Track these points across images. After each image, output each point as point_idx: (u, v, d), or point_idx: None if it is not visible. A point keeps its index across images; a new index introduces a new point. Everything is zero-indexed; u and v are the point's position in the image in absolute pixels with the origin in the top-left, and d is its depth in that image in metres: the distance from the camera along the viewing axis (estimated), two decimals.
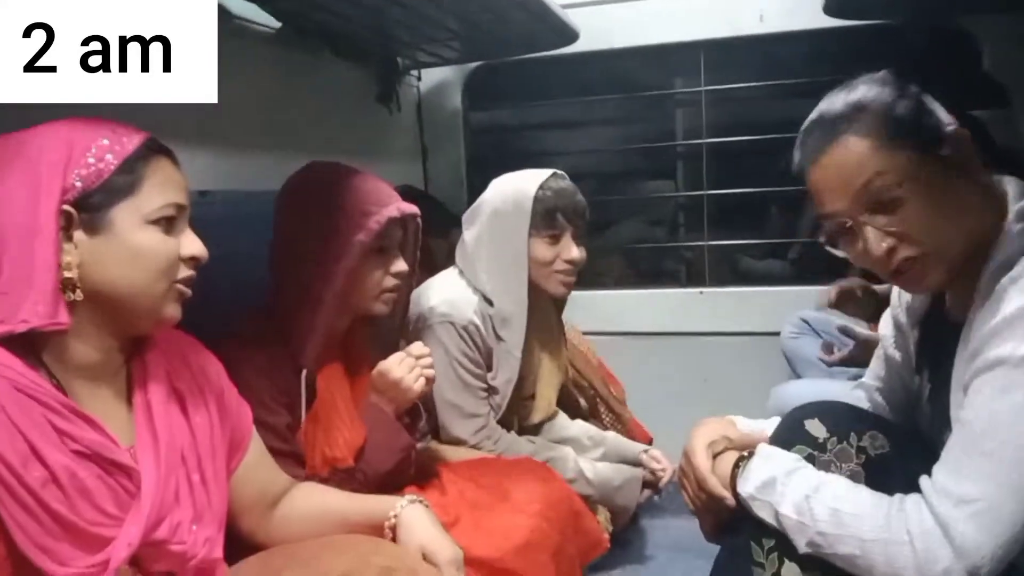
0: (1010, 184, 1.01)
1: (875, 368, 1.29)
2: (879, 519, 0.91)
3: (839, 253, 1.06)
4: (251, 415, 1.13)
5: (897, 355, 1.23)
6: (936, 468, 0.92)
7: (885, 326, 1.26)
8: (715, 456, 1.13)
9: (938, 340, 1.11)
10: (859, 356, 2.00)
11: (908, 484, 0.94)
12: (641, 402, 2.21)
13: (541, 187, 1.67)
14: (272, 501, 1.15)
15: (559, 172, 1.73)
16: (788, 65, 2.59)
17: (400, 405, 1.36)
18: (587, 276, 2.67)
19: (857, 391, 1.31)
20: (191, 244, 0.96)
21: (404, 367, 1.34)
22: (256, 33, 1.83)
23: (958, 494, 0.87)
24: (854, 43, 2.43)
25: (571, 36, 2.30)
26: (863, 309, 2.04)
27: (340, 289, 1.30)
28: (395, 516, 1.12)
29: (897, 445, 1.06)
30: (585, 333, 2.28)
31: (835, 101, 1.04)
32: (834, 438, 1.06)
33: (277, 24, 1.88)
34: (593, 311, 2.63)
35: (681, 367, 2.61)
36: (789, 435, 1.10)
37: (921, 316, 1.17)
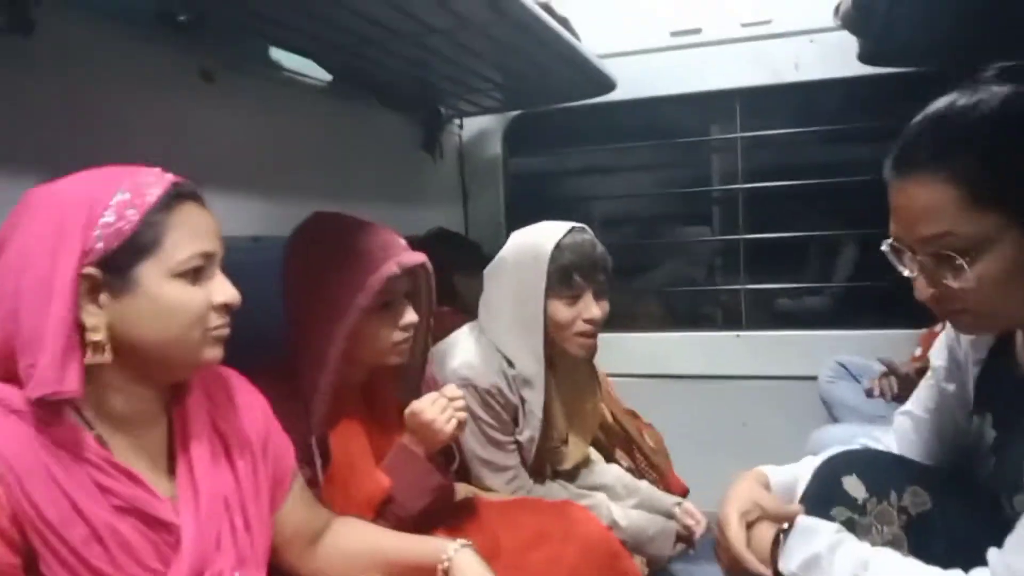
0: None
1: (923, 398, 1.22)
2: None
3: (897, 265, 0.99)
4: (293, 451, 1.12)
5: (950, 388, 1.17)
6: (1011, 546, 0.86)
7: (938, 356, 1.19)
8: (749, 525, 1.08)
9: (1006, 387, 1.05)
10: (903, 393, 1.97)
11: (951, 542, 0.92)
12: (678, 446, 2.21)
13: (557, 246, 1.62)
14: (313, 536, 1.15)
15: (578, 226, 1.69)
16: (823, 112, 2.62)
17: (432, 446, 1.34)
18: (624, 319, 2.74)
19: (902, 418, 1.25)
20: (222, 291, 0.93)
21: (436, 408, 1.32)
22: (308, 86, 1.92)
23: None
24: (890, 89, 2.44)
25: (608, 86, 2.36)
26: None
27: (345, 349, 1.25)
28: (448, 560, 1.11)
29: (939, 500, 1.03)
30: (621, 376, 2.28)
31: (953, 110, 0.92)
32: (874, 498, 1.04)
33: (328, 77, 1.98)
34: (630, 354, 2.67)
35: (718, 411, 2.62)
36: (827, 493, 1.07)
37: (984, 355, 1.10)
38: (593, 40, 2.20)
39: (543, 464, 1.77)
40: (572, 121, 2.77)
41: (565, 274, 1.62)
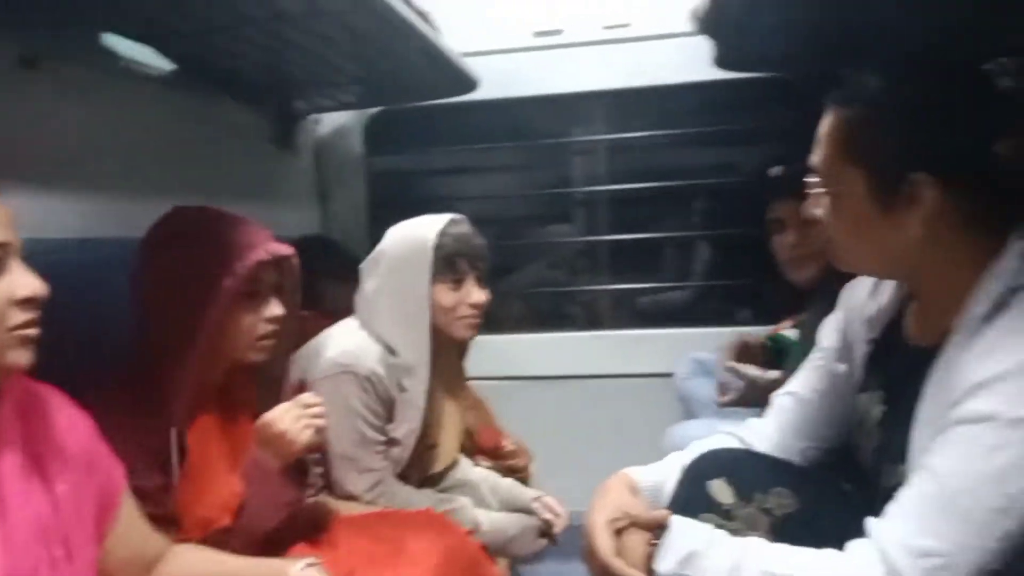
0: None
1: (809, 379, 1.25)
2: (817, 574, 0.89)
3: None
4: (123, 473, 1.03)
5: (840, 368, 1.20)
6: (894, 513, 0.88)
7: (828, 338, 1.24)
8: (618, 532, 1.07)
9: (895, 362, 1.09)
10: (750, 397, 2.06)
11: (816, 543, 0.92)
12: (540, 446, 2.20)
13: (441, 233, 1.66)
14: (146, 566, 1.07)
15: (457, 217, 1.72)
16: (684, 115, 2.69)
17: (286, 458, 1.27)
18: (487, 321, 2.70)
19: (786, 399, 1.27)
20: (24, 285, 0.85)
21: (290, 418, 1.25)
22: (146, 77, 1.77)
23: (918, 547, 0.83)
24: (747, 94, 2.56)
25: (470, 84, 2.32)
26: (757, 359, 2.09)
27: (209, 339, 1.22)
28: None
29: (804, 500, 1.05)
30: (484, 378, 2.26)
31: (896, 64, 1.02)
32: (741, 503, 1.05)
33: (170, 66, 1.84)
34: (492, 355, 2.58)
35: (580, 409, 2.64)
36: (693, 499, 1.08)
37: (877, 334, 1.15)
38: (455, 37, 2.15)
39: (411, 470, 1.73)
40: (435, 120, 2.72)
41: (449, 260, 1.65)
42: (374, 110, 2.72)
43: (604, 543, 1.05)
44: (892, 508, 0.88)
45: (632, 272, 2.82)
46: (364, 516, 1.51)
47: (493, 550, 1.69)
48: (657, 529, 1.02)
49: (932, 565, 0.82)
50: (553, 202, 2.96)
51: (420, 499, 1.67)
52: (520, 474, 2.03)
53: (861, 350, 1.17)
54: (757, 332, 2.33)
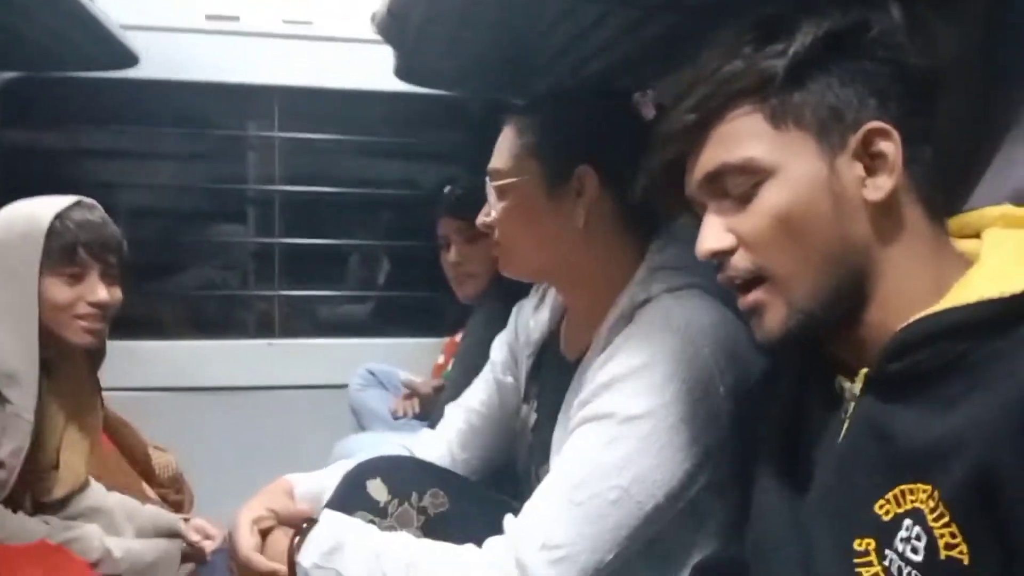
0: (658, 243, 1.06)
1: (479, 392, 1.29)
2: (456, 567, 0.89)
3: None
4: None
5: (508, 380, 1.25)
6: (527, 509, 0.91)
7: (498, 351, 1.29)
8: (264, 533, 1.05)
9: (551, 375, 1.15)
10: (423, 410, 2.08)
11: (465, 540, 0.93)
12: (204, 462, 2.04)
13: (59, 217, 1.41)
14: None
15: (87, 200, 1.48)
16: (363, 122, 2.66)
17: None
18: (145, 326, 2.47)
19: (457, 411, 1.30)
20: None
21: None
22: None
23: (543, 539, 0.86)
24: (426, 108, 2.58)
25: (129, 59, 2.10)
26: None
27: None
28: None
29: (457, 501, 1.07)
30: (139, 390, 2.07)
31: None
32: (395, 500, 1.05)
33: None
34: (150, 365, 2.40)
35: (249, 423, 2.48)
36: (350, 498, 1.06)
37: (537, 348, 1.20)
38: (114, 6, 1.93)
39: (23, 495, 1.48)
40: (89, 94, 2.40)
41: (67, 249, 1.40)
42: (10, 75, 2.32)
43: (245, 540, 1.04)
44: (527, 505, 0.92)
45: (308, 280, 2.74)
46: None
47: None
48: (305, 524, 1.00)
49: (555, 557, 0.85)
50: (225, 199, 2.77)
51: (34, 528, 1.44)
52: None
53: (524, 364, 1.23)
54: (434, 344, 2.38)
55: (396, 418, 2.15)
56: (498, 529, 0.93)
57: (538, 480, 1.05)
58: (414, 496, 1.05)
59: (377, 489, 1.06)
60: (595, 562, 0.86)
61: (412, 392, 2.16)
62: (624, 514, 0.86)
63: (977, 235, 0.70)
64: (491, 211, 1.09)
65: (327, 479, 1.17)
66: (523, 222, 1.06)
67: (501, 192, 1.07)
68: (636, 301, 0.98)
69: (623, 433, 0.88)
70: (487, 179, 1.10)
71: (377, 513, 1.04)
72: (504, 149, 1.09)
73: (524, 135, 1.07)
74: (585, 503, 0.87)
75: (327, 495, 1.13)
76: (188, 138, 2.69)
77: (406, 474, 1.10)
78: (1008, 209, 0.69)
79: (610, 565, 0.87)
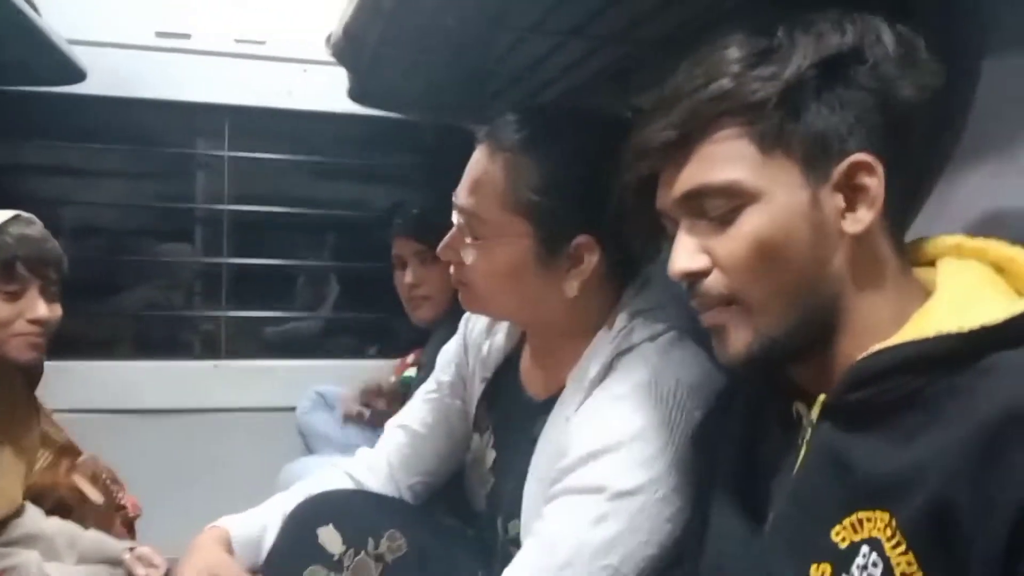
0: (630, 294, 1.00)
1: (421, 411, 1.22)
2: None
3: None
4: None
5: (456, 404, 1.20)
6: (512, 572, 0.87)
7: (444, 372, 1.22)
8: None
9: (508, 406, 1.10)
10: (377, 422, 2.03)
11: None
12: (146, 487, 1.96)
13: None
14: None
15: (25, 215, 1.45)
16: (315, 143, 2.64)
17: None
18: (84, 345, 2.40)
19: (398, 431, 1.24)
20: None
21: None
22: None
23: None
24: (377, 129, 2.58)
25: (76, 75, 2.06)
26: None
27: None
28: None
29: (414, 542, 1.03)
30: (78, 411, 1.99)
31: None
32: (351, 550, 1.00)
33: None
34: (90, 386, 2.32)
35: (193, 446, 2.41)
36: (301, 550, 1.01)
37: (491, 374, 1.14)
38: (61, 20, 1.90)
39: None
40: (30, 109, 2.33)
41: (5, 264, 1.37)
42: None
43: None
44: (509, 569, 0.88)
45: (256, 300, 2.69)
46: None
47: None
48: None
49: None
50: (172, 217, 2.72)
51: None
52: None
53: (475, 388, 1.17)
54: (384, 366, 2.36)
55: (346, 420, 2.10)
56: (457, 563, 0.92)
57: (505, 532, 1.03)
58: (370, 543, 1.01)
59: (330, 539, 1.01)
60: None
61: (376, 389, 2.10)
62: None
63: (931, 263, 0.70)
64: (458, 248, 0.99)
65: (265, 521, 1.11)
66: (503, 283, 0.98)
67: (478, 244, 0.97)
68: (618, 350, 0.93)
69: (614, 510, 0.84)
70: (456, 211, 1.00)
71: (332, 567, 0.99)
72: (484, 190, 0.96)
73: (514, 183, 0.94)
74: None
75: (268, 539, 1.08)
76: (136, 156, 2.64)
77: (359, 516, 1.05)
78: (963, 240, 0.69)
79: None
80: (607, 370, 0.93)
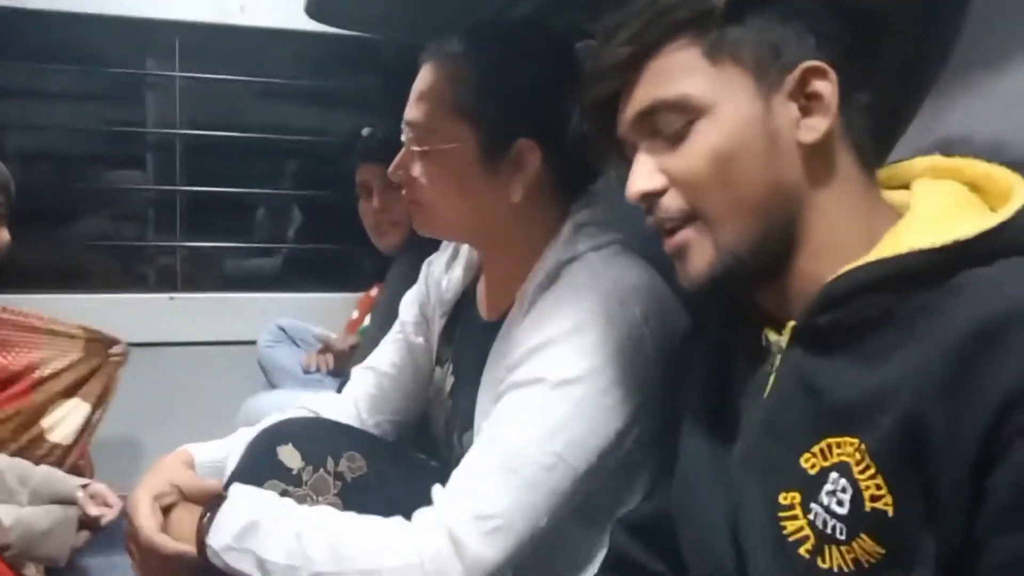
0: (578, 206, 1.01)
1: (388, 353, 1.24)
2: (384, 545, 0.84)
3: None
4: None
5: (419, 341, 1.21)
6: (456, 479, 0.88)
7: (407, 311, 1.23)
8: (166, 510, 0.97)
9: (467, 335, 1.11)
10: (337, 366, 2.02)
11: (386, 508, 0.89)
12: (103, 425, 1.94)
13: None
14: None
15: None
16: (270, 64, 2.54)
17: None
18: (37, 278, 2.32)
19: (365, 373, 1.24)
20: None
21: None
22: None
23: (476, 510, 0.84)
24: (337, 49, 2.49)
25: None
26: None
27: None
28: None
29: (376, 464, 1.02)
30: None
31: None
32: (309, 467, 0.99)
33: None
34: None
35: (149, 382, 2.32)
36: (260, 466, 0.99)
37: (450, 308, 1.16)
38: None
39: None
40: None
41: None
42: None
43: (147, 520, 0.95)
44: (455, 474, 0.88)
45: (213, 231, 2.62)
46: None
47: (21, 550, 1.48)
48: (213, 501, 0.93)
49: (491, 527, 0.83)
50: (122, 143, 2.61)
51: None
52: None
53: (437, 325, 1.18)
54: (347, 299, 2.30)
55: (307, 372, 2.08)
56: (419, 490, 0.90)
57: (460, 446, 1.04)
58: (329, 461, 1.00)
59: (289, 456, 0.99)
60: (530, 529, 0.84)
61: (326, 347, 2.08)
62: (558, 479, 0.85)
63: (905, 186, 0.69)
64: (408, 165, 1.00)
65: (230, 446, 1.10)
66: (449, 191, 0.99)
67: (424, 154, 0.98)
68: (562, 260, 0.95)
69: (555, 398, 0.86)
70: (404, 128, 1.00)
71: (291, 481, 0.97)
72: (429, 99, 0.98)
73: (456, 88, 0.97)
74: (519, 470, 0.84)
75: (231, 465, 1.06)
76: (82, 76, 2.52)
77: (319, 438, 1.05)
78: (937, 160, 0.68)
79: (544, 530, 0.85)
80: (551, 280, 0.94)
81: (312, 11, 1.70)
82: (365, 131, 2.02)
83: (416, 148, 0.98)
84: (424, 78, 0.99)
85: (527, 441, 0.85)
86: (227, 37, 2.43)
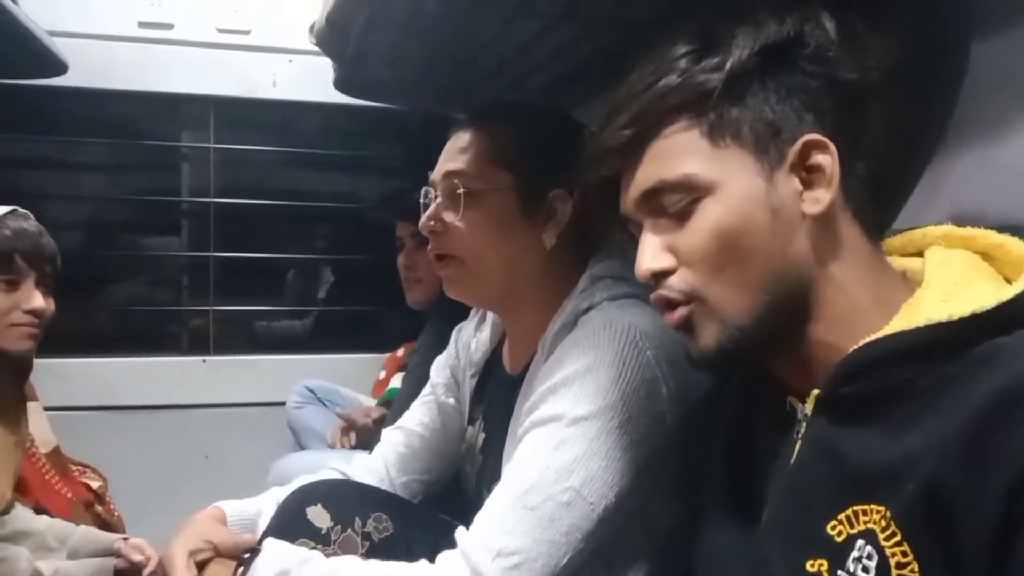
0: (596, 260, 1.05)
1: (418, 414, 1.27)
2: None
3: None
4: None
5: (449, 402, 1.24)
6: (479, 518, 0.89)
7: (438, 374, 1.26)
8: (201, 565, 1.00)
9: (495, 392, 1.14)
10: (360, 441, 2.01)
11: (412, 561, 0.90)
12: (135, 485, 1.96)
13: None
14: None
15: (20, 210, 1.47)
16: (301, 134, 2.63)
17: None
18: (69, 342, 2.34)
19: (396, 433, 1.27)
20: None
21: None
22: None
23: (498, 547, 0.84)
24: (363, 119, 2.57)
25: (58, 67, 2.02)
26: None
27: None
28: None
29: (401, 525, 1.05)
30: (63, 409, 1.98)
31: None
32: (338, 527, 1.01)
33: None
34: (75, 383, 2.31)
35: (180, 443, 2.40)
36: (290, 525, 1.02)
37: (480, 368, 1.19)
38: (41, 13, 1.88)
39: None
40: (14, 103, 2.31)
41: (4, 255, 1.39)
42: None
43: (183, 575, 0.99)
44: (478, 515, 0.90)
45: (244, 294, 2.67)
46: None
47: None
48: (247, 554, 0.95)
49: (511, 564, 0.83)
50: (158, 211, 2.69)
51: None
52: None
53: (467, 385, 1.21)
54: (375, 360, 2.32)
55: (332, 448, 2.08)
56: (444, 550, 0.90)
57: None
58: (357, 521, 1.02)
59: (318, 515, 1.02)
60: (551, 566, 0.84)
61: (349, 425, 2.07)
62: (577, 516, 0.85)
63: (919, 253, 0.69)
64: (442, 216, 1.04)
65: (261, 504, 1.13)
66: (491, 234, 1.02)
67: (469, 198, 1.02)
68: (579, 309, 0.97)
69: (572, 435, 0.87)
70: (438, 184, 1.06)
71: (319, 540, 1.00)
72: (471, 152, 1.03)
73: (495, 143, 1.03)
74: (538, 507, 0.85)
75: (263, 522, 1.09)
76: (120, 148, 2.61)
77: (347, 499, 1.07)
78: (951, 229, 0.69)
79: (564, 569, 0.85)
80: (569, 328, 0.97)
81: (341, 84, 1.79)
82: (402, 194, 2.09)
83: (461, 191, 1.02)
84: (462, 138, 1.05)
85: (544, 478, 0.86)
86: (259, 110, 2.52)
